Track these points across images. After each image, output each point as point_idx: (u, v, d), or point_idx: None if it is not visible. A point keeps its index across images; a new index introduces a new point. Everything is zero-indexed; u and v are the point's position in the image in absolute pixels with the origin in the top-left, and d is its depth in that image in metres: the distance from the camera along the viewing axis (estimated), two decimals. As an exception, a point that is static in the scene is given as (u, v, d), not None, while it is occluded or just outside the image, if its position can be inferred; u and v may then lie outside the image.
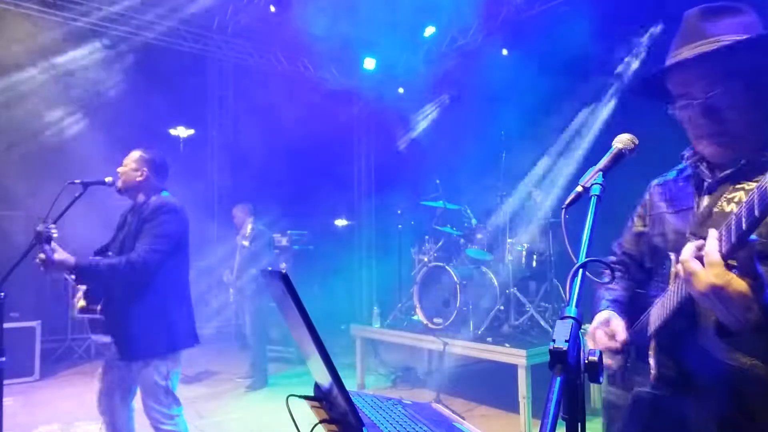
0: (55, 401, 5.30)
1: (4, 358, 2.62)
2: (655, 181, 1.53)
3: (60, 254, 2.55)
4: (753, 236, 0.96)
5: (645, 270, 1.50)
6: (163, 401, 2.82)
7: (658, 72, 1.33)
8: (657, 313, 1.29)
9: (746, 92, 1.22)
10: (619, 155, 1.27)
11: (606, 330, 1.36)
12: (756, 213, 0.91)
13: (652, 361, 1.27)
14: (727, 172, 1.26)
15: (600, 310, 1.44)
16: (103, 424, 2.96)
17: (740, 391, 1.13)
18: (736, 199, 1.20)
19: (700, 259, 1.02)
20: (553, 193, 5.86)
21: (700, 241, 1.04)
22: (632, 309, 1.44)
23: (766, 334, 1.01)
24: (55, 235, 2.53)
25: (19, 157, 6.36)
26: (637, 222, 1.55)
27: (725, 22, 1.25)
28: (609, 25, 5.74)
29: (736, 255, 0.98)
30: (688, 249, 1.06)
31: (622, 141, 1.29)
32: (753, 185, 1.09)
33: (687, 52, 1.26)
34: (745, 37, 1.21)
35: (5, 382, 2.58)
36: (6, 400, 2.72)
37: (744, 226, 0.94)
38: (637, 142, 1.30)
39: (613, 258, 1.64)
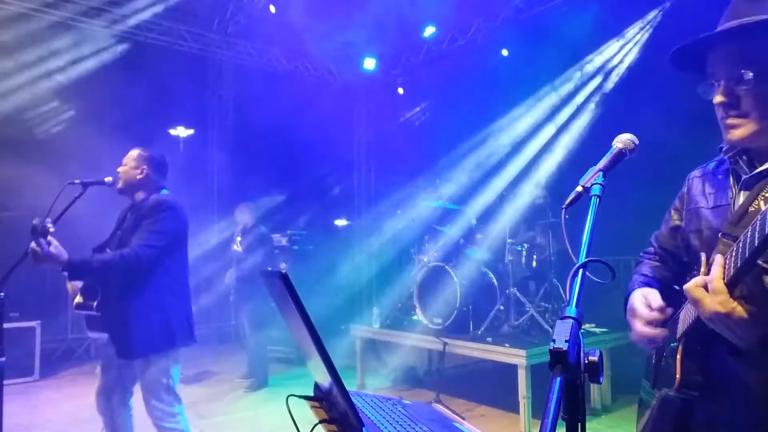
0: (55, 401, 5.30)
1: (4, 358, 2.62)
2: (694, 173, 1.45)
3: (55, 248, 2.52)
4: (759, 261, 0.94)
5: (683, 264, 1.44)
6: (165, 399, 2.82)
7: (689, 44, 1.26)
8: (685, 315, 1.26)
9: None
10: (619, 155, 1.26)
11: (644, 301, 1.32)
12: (756, 243, 0.90)
13: (678, 365, 1.23)
14: (765, 167, 1.18)
15: (634, 288, 1.40)
16: (103, 423, 2.96)
17: (763, 395, 1.12)
18: None
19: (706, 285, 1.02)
20: (557, 192, 5.86)
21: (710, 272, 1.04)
22: (667, 302, 1.38)
23: None
24: (51, 230, 2.52)
25: (19, 157, 6.36)
26: (674, 215, 1.49)
27: None
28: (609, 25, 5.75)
29: (743, 280, 0.98)
30: (697, 277, 1.06)
31: (622, 141, 1.28)
32: None
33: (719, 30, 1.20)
34: None
35: (5, 382, 2.57)
36: (8, 401, 2.71)
37: (747, 253, 0.93)
38: (637, 142, 1.28)
39: (651, 249, 1.58)
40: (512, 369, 4.30)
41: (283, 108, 8.57)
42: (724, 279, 1.00)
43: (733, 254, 0.98)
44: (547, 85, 7.01)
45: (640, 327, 1.30)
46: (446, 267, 5.25)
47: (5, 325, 2.54)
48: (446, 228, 5.87)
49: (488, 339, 4.68)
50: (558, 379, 0.83)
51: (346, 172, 9.85)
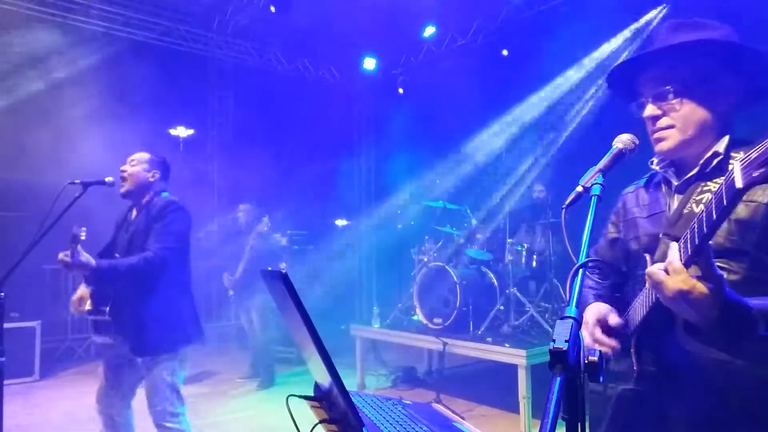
0: (55, 401, 5.30)
1: (4, 358, 2.62)
2: (627, 189, 1.58)
3: (84, 256, 2.58)
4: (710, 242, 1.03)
5: (621, 274, 1.55)
6: (169, 399, 2.83)
7: (615, 69, 1.43)
8: (636, 312, 1.33)
9: (691, 92, 1.30)
10: (619, 155, 1.30)
11: (599, 318, 1.37)
12: (704, 230, 1.00)
13: (634, 358, 1.31)
14: (693, 173, 1.32)
15: (589, 300, 1.48)
16: (102, 423, 2.96)
17: (722, 385, 1.18)
18: (704, 200, 1.25)
19: (665, 270, 1.09)
20: (555, 190, 5.86)
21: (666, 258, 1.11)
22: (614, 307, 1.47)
23: (727, 329, 1.08)
24: (82, 237, 2.56)
25: (19, 157, 6.36)
26: (611, 229, 1.60)
27: (690, 35, 1.32)
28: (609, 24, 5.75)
29: (697, 261, 1.05)
30: (657, 264, 1.11)
31: (622, 141, 1.32)
32: (717, 185, 1.15)
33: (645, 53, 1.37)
34: (694, 39, 1.29)
35: (5, 382, 2.57)
36: (8, 401, 2.71)
37: (697, 240, 1.02)
38: (637, 141, 1.33)
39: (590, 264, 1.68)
40: (512, 369, 4.30)
41: (283, 108, 8.57)
42: (681, 261, 1.07)
43: (687, 240, 1.05)
44: (548, 85, 7.02)
45: (588, 342, 1.37)
46: (446, 267, 5.25)
47: (5, 325, 2.54)
48: (446, 228, 5.87)
49: (488, 339, 4.68)
50: (558, 379, 0.83)
51: (346, 171, 9.85)
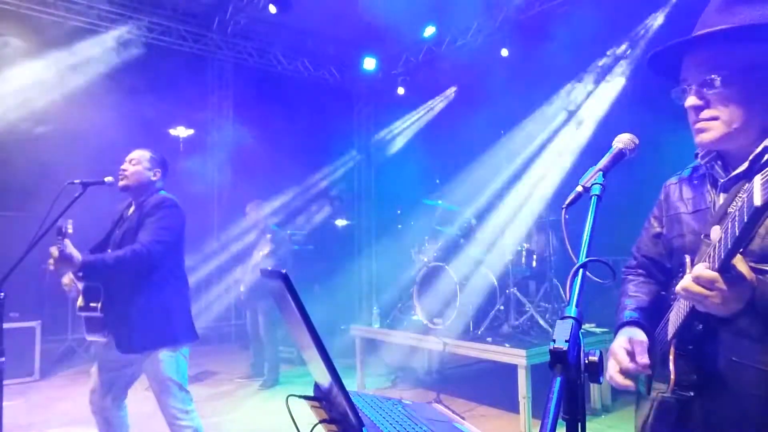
0: (55, 401, 5.30)
1: (4, 358, 2.62)
2: (670, 180, 1.49)
3: (70, 250, 2.56)
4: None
5: (667, 271, 1.47)
6: (177, 396, 2.84)
7: (662, 51, 1.32)
8: (674, 317, 1.28)
9: (740, 82, 1.20)
10: (619, 155, 1.27)
11: (627, 348, 1.32)
12: (728, 245, 0.97)
13: (672, 366, 1.25)
14: (740, 170, 1.23)
15: (623, 321, 1.41)
16: (97, 423, 2.96)
17: (763, 392, 1.14)
18: None
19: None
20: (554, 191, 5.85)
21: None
22: (658, 313, 1.40)
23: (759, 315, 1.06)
24: (70, 231, 2.54)
25: (18, 157, 6.36)
26: (654, 223, 1.52)
27: (739, 15, 1.21)
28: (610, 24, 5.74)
29: (729, 267, 1.02)
30: (688, 277, 1.08)
31: (622, 141, 1.29)
32: None
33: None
34: (747, 22, 1.18)
35: (5, 382, 2.57)
36: (8, 401, 2.71)
37: (722, 254, 0.99)
38: (637, 141, 1.30)
39: (633, 262, 1.61)
40: (512, 369, 4.30)
41: (283, 108, 8.57)
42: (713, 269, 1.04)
43: (716, 249, 1.03)
44: (547, 85, 7.01)
45: (612, 373, 1.32)
46: (446, 267, 5.25)
47: (5, 325, 2.55)
48: (446, 228, 5.86)
49: (488, 339, 4.68)
50: (558, 379, 0.83)
51: (346, 171, 9.85)
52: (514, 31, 7.07)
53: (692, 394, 1.23)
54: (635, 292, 1.50)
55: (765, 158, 1.19)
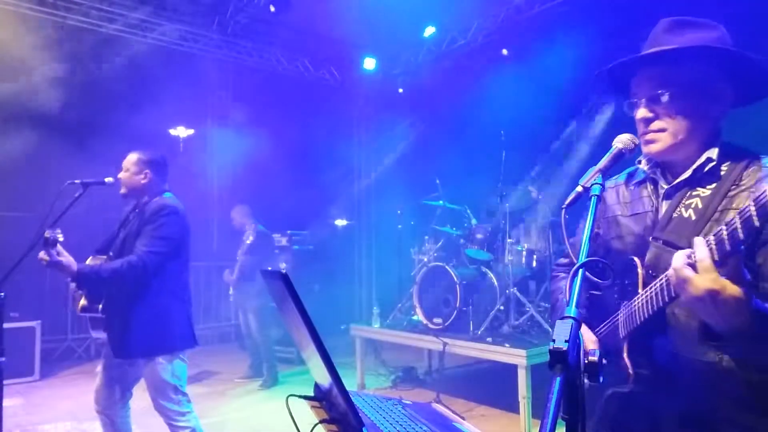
0: (55, 401, 5.30)
1: (4, 358, 2.63)
2: (606, 184, 1.55)
3: (65, 258, 2.57)
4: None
5: (600, 270, 1.53)
6: (173, 398, 2.84)
7: (608, 69, 1.41)
8: (629, 316, 1.32)
9: (687, 97, 1.29)
10: (619, 155, 1.31)
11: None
12: (756, 223, 0.97)
13: (627, 361, 1.30)
14: (682, 178, 1.32)
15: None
16: (101, 423, 2.96)
17: (711, 386, 1.19)
18: (693, 205, 1.27)
19: (691, 266, 1.06)
20: (552, 191, 5.85)
21: (688, 250, 1.09)
22: (591, 311, 1.46)
23: (748, 338, 1.06)
24: (60, 239, 2.55)
25: (19, 157, 6.35)
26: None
27: (687, 36, 1.30)
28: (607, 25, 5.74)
29: (726, 262, 1.03)
30: (680, 257, 1.08)
31: (622, 141, 1.32)
32: (707, 192, 1.23)
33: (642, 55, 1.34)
34: (688, 45, 1.28)
35: (5, 382, 2.58)
36: (8, 401, 2.72)
37: (741, 236, 1.00)
38: (637, 141, 1.34)
39: (565, 260, 1.71)
40: (512, 369, 4.30)
41: (283, 108, 8.56)
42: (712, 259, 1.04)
43: (715, 238, 1.04)
44: (547, 85, 7.01)
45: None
46: (446, 267, 5.25)
47: (5, 325, 2.56)
48: (446, 228, 5.86)
49: (488, 339, 4.68)
50: (558, 379, 0.83)
51: (346, 171, 9.84)
52: (514, 31, 7.06)
53: (644, 388, 1.28)
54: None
55: (707, 168, 1.29)
